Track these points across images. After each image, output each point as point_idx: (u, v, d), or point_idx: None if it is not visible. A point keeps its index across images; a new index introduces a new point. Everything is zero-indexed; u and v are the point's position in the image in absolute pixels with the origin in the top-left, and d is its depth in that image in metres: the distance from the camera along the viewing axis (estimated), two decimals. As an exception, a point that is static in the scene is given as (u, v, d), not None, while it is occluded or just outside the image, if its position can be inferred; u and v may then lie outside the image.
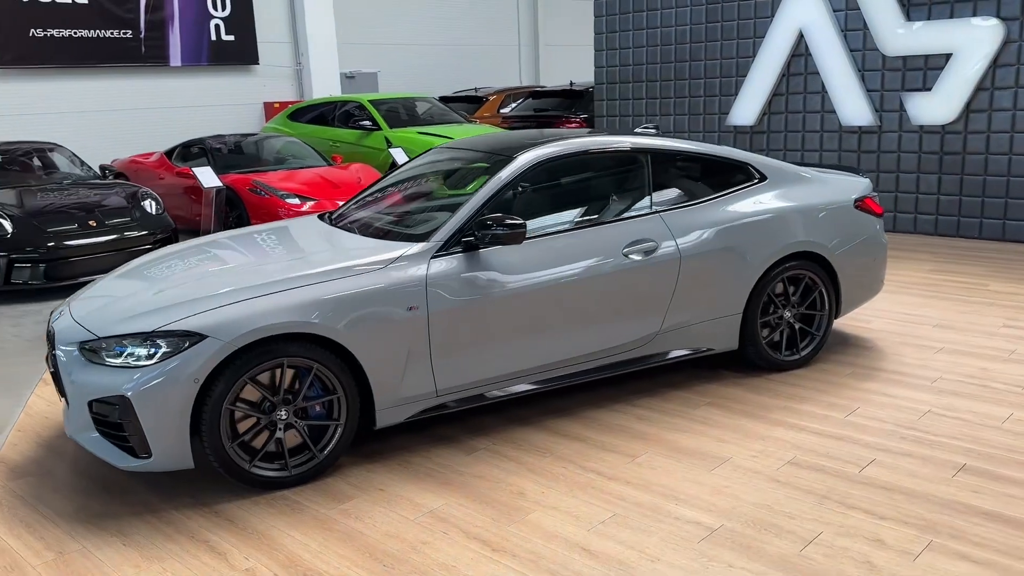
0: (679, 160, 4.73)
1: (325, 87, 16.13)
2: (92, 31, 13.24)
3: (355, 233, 4.28)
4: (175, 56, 14.27)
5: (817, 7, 8.99)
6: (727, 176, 4.77)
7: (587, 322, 4.18)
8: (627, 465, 3.72)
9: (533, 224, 4.09)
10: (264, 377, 3.49)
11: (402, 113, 12.55)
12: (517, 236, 3.85)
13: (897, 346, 5.18)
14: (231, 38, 14.95)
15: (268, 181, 9.24)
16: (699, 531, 3.16)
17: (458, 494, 3.52)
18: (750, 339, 4.68)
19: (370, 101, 12.37)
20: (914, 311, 5.90)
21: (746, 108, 9.81)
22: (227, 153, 10.52)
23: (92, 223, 7.63)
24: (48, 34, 12.80)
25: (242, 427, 3.50)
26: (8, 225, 7.32)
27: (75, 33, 13.07)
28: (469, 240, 3.89)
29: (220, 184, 8.94)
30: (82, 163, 9.51)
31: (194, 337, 3.34)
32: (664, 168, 4.63)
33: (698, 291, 4.46)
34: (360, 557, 3.07)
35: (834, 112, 9.13)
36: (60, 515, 3.47)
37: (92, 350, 3.47)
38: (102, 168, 9.90)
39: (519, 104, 14.17)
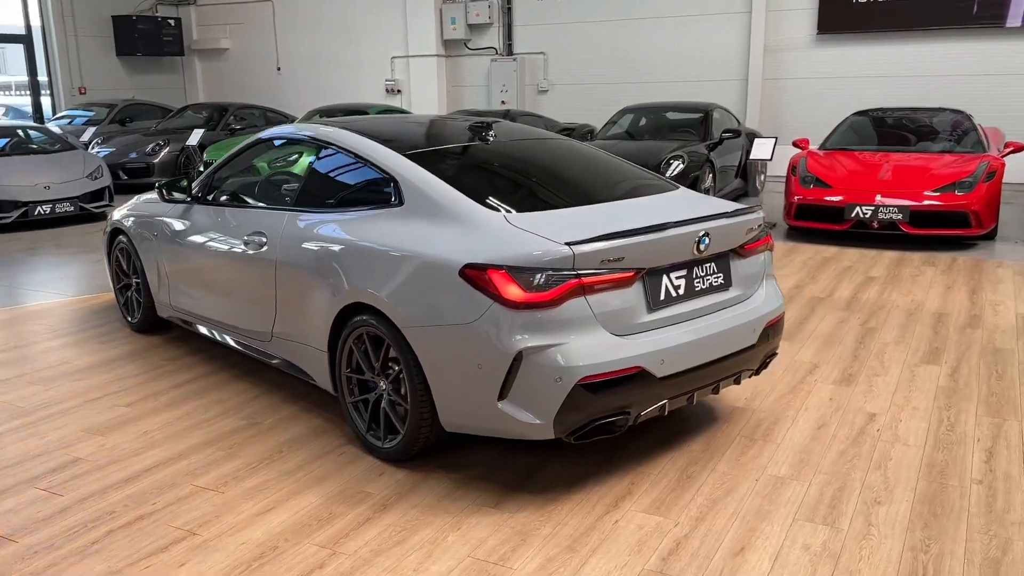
0: (344, 159, 3.98)
1: None
2: (918, -7, 12.78)
3: None
4: (1016, 15, 12.29)
5: None
6: (370, 189, 3.76)
7: (225, 297, 4.46)
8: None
9: (242, 197, 4.57)
10: (123, 253, 5.54)
11: None
12: (160, 194, 4.69)
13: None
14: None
15: (823, 161, 8.76)
16: None
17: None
18: (340, 392, 3.75)
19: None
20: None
21: None
22: (891, 125, 9.74)
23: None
24: (872, 0, 13.09)
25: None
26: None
27: (900, -3, 12.91)
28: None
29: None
30: (738, 122, 10.78)
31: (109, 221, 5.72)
32: (332, 165, 4.04)
33: (293, 307, 3.96)
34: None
35: None
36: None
37: None
38: None
39: None
